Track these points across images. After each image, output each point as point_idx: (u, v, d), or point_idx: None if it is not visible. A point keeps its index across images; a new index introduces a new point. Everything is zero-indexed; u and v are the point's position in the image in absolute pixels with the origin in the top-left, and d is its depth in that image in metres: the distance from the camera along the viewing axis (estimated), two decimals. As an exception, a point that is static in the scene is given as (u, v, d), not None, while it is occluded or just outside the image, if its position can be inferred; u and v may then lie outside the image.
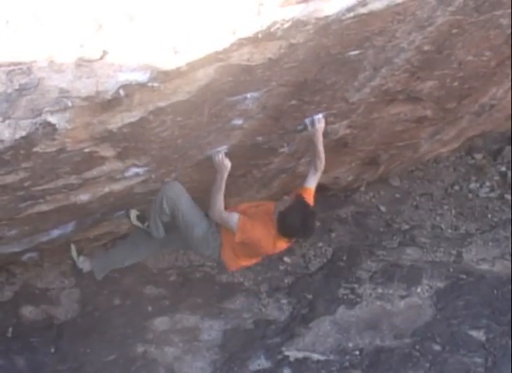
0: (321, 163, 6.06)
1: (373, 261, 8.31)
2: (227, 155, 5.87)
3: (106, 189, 5.90)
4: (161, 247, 6.67)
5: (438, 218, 8.83)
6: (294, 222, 5.71)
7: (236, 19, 4.36)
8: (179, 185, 6.17)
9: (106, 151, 5.18)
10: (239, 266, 6.47)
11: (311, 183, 6.08)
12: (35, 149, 4.67)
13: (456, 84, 6.44)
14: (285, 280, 8.06)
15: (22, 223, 6.06)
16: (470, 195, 9.10)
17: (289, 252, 8.21)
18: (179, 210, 6.15)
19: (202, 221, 6.14)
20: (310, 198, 6.00)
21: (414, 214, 8.91)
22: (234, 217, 5.85)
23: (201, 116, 5.25)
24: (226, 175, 5.83)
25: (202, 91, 4.82)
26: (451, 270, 8.17)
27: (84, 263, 6.64)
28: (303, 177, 6.18)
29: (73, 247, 6.66)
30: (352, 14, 4.66)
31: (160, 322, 7.54)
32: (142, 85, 4.51)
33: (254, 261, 6.45)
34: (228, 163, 5.84)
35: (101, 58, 4.34)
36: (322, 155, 6.05)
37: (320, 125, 6.10)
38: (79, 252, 6.65)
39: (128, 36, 4.31)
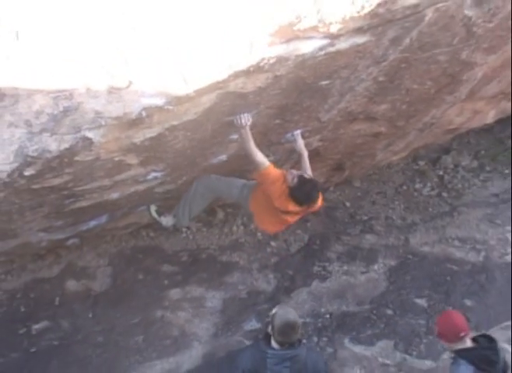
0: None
1: (339, 245, 8.28)
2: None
3: (132, 189, 5.89)
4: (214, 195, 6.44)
5: (390, 211, 8.82)
6: (302, 195, 5.47)
7: (233, 56, 4.35)
8: (204, 177, 6.15)
9: (132, 159, 5.17)
10: (261, 222, 6.18)
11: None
12: (76, 158, 4.66)
13: (404, 107, 6.43)
14: (272, 260, 8.03)
15: (66, 216, 6.04)
16: (415, 193, 9.09)
17: (273, 237, 8.22)
18: (216, 188, 6.13)
19: (235, 182, 6.06)
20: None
21: (371, 208, 8.90)
22: (266, 163, 5.49)
23: (206, 132, 5.24)
24: (248, 129, 5.33)
25: (206, 112, 4.81)
26: (401, 251, 8.15)
27: (167, 221, 6.55)
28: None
29: (153, 209, 6.58)
30: (323, 52, 4.65)
31: (174, 293, 7.50)
32: (159, 108, 4.51)
33: (273, 222, 6.04)
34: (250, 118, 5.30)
35: (127, 87, 4.33)
36: (309, 171, 5.95)
37: (300, 141, 6.06)
38: (159, 214, 6.56)
39: (148, 70, 4.31)
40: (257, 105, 5.17)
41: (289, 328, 4.83)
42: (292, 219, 5.92)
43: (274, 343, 4.87)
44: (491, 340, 5.11)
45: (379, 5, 4.26)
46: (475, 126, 8.65)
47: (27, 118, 4.30)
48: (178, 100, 4.51)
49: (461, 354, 5.03)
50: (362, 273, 7.90)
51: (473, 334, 5.17)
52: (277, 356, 4.84)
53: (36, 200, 5.26)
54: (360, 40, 4.70)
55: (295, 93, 5.23)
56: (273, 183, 5.52)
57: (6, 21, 4.18)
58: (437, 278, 7.78)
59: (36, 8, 4.16)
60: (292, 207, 5.59)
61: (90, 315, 7.20)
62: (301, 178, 5.51)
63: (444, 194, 9.06)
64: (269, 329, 4.92)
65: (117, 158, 5.01)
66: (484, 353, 4.99)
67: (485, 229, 8.42)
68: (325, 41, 4.55)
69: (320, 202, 5.77)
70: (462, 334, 5.01)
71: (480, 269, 7.89)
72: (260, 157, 5.44)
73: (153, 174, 5.75)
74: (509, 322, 7.22)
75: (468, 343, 5.05)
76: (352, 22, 4.37)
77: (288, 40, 4.42)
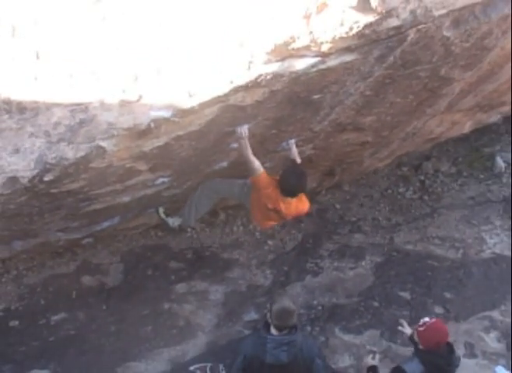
0: None
1: (330, 243, 8.27)
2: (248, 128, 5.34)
3: (142, 193, 5.89)
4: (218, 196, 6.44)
5: (376, 213, 8.80)
6: (290, 182, 5.48)
7: (233, 73, 4.36)
8: (209, 180, 6.15)
9: (141, 166, 5.17)
10: (258, 218, 6.21)
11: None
12: (91, 165, 4.67)
13: (388, 118, 6.43)
14: (269, 257, 8.02)
15: (81, 217, 6.04)
16: (399, 196, 9.08)
17: (270, 236, 8.20)
18: (220, 189, 6.16)
19: (237, 181, 6.05)
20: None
21: (359, 210, 8.88)
22: (260, 170, 5.50)
23: (208, 141, 5.24)
24: (247, 139, 5.29)
25: (209, 123, 4.82)
26: (386, 249, 8.15)
27: (173, 221, 6.54)
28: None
29: (161, 210, 6.57)
30: (315, 69, 4.66)
31: (180, 287, 7.50)
32: (166, 120, 4.52)
33: (264, 219, 6.08)
34: (247, 130, 5.27)
35: (138, 100, 4.34)
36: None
37: (294, 149, 6.05)
38: (167, 215, 6.56)
39: (156, 85, 4.31)
40: (255, 117, 5.17)
41: (285, 312, 4.88)
42: (281, 219, 6.04)
43: (273, 330, 4.91)
44: (451, 351, 5.06)
45: (365, 26, 4.27)
46: (453, 135, 8.66)
47: (46, 129, 4.32)
48: (183, 113, 4.52)
49: (419, 353, 5.01)
50: (351, 268, 7.89)
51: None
52: (275, 341, 4.88)
53: (55, 203, 5.27)
54: (348, 58, 4.70)
55: (289, 106, 5.23)
56: (265, 188, 5.58)
57: (28, 43, 4.20)
58: (419, 273, 7.79)
59: (55, 33, 4.19)
60: (282, 205, 5.63)
61: (104, 307, 7.20)
62: (293, 162, 5.65)
63: (425, 197, 9.05)
64: (268, 317, 4.95)
65: (128, 165, 5.02)
66: (438, 360, 4.96)
67: (463, 229, 8.43)
68: (317, 59, 4.55)
69: (308, 204, 5.85)
70: (441, 346, 4.98)
71: (458, 265, 7.90)
72: (256, 164, 5.47)
73: (161, 179, 5.75)
74: (485, 313, 7.25)
75: None
76: (341, 41, 4.37)
77: (283, 58, 4.43)
